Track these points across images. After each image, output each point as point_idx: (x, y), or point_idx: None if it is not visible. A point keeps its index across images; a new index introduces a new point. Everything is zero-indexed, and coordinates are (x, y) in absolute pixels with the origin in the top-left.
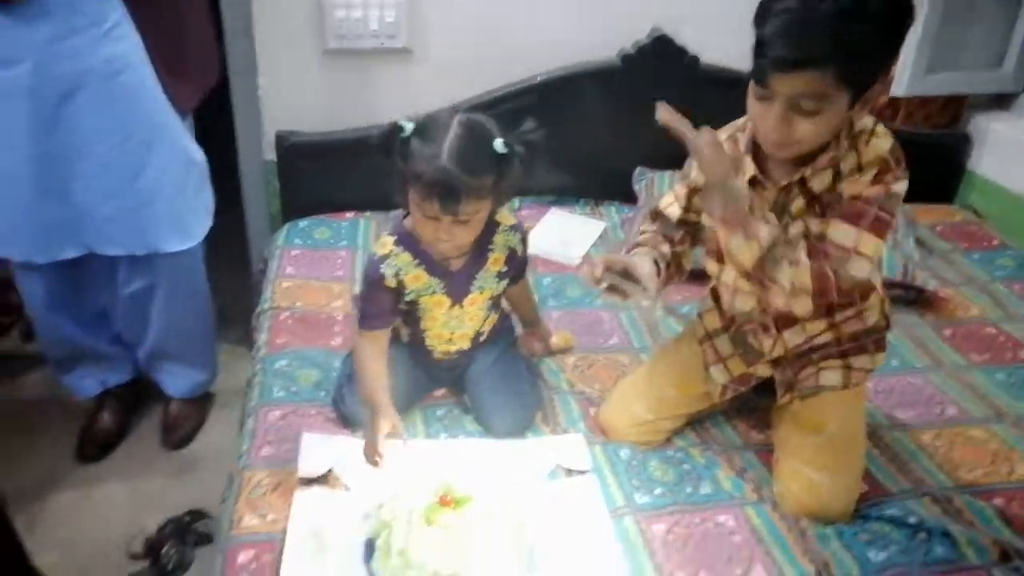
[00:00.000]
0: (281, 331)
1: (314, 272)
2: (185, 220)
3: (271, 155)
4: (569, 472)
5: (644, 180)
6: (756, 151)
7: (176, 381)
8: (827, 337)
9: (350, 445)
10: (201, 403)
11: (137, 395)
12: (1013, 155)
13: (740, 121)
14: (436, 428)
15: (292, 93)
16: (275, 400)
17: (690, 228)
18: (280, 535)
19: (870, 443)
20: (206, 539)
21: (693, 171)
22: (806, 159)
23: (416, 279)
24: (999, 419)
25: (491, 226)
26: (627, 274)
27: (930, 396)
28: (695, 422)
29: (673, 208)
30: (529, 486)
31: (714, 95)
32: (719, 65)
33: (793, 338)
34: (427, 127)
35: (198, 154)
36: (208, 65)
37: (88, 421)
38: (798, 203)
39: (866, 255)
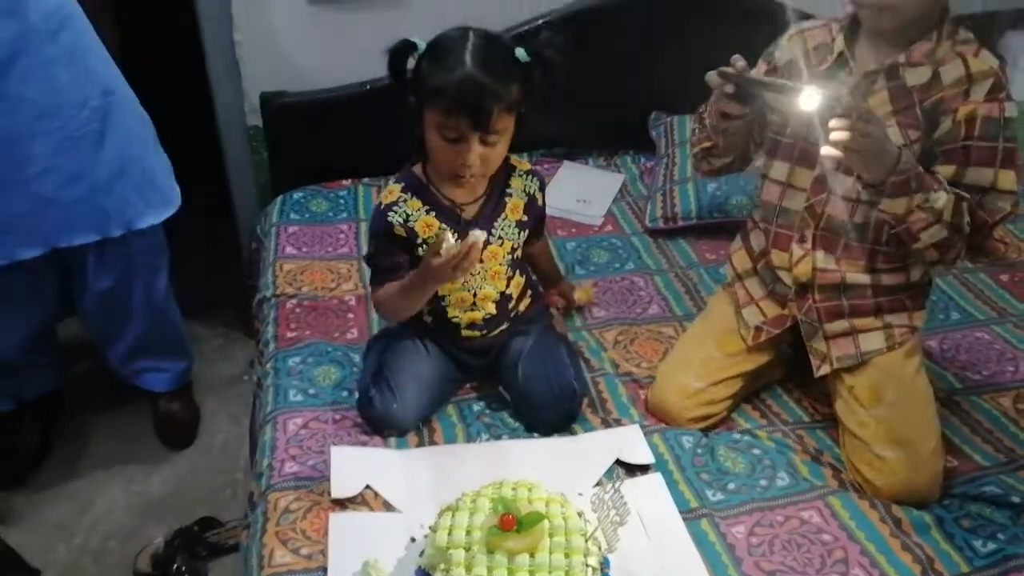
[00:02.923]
0: (290, 322)
1: (317, 251)
2: (158, 184)
3: (255, 120)
4: (630, 469)
5: (661, 125)
6: (848, 33)
7: (162, 376)
8: (861, 278)
9: (386, 457)
10: (190, 393)
11: (56, 406)
12: None
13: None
14: (476, 427)
15: (274, 50)
16: (293, 405)
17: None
18: (319, 573)
19: (947, 412)
20: (219, 550)
21: (777, 51)
22: (898, 44)
23: (427, 226)
24: None
25: (507, 168)
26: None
27: (1001, 352)
28: (755, 398)
29: None
30: (591, 491)
31: (738, 27)
32: None
33: (825, 261)
34: (441, 42)
35: (144, 112)
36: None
37: (5, 442)
38: (879, 97)
39: (1007, 190)
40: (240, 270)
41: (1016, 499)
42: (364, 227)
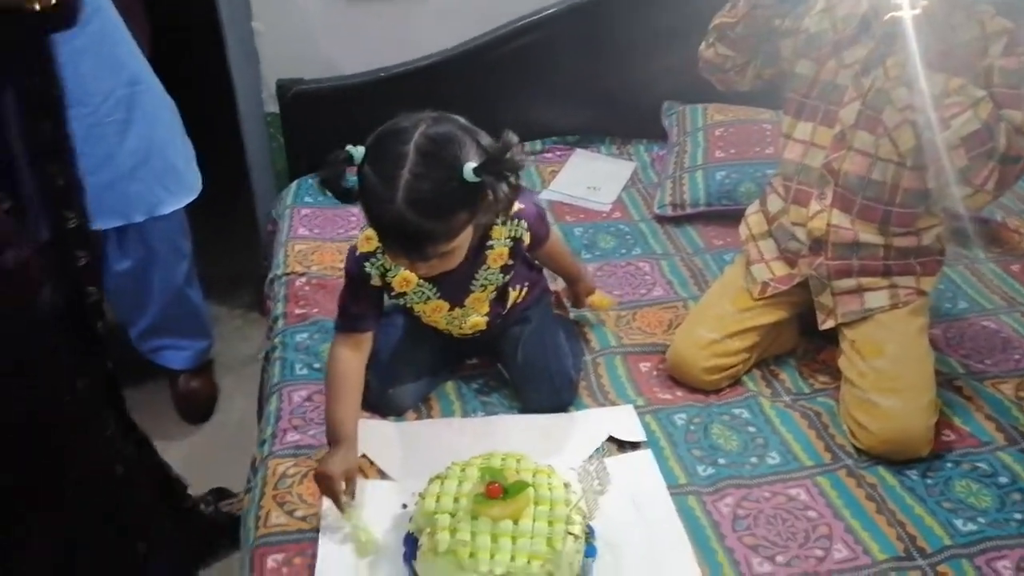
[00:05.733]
0: (298, 299)
1: (328, 232)
2: (180, 172)
3: (273, 107)
4: (622, 446)
5: (674, 114)
6: None
7: (181, 354)
8: (874, 238)
9: (382, 429)
10: (210, 371)
11: None
12: None
13: None
14: (473, 405)
15: (291, 38)
16: (298, 378)
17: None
18: (312, 534)
19: (950, 391)
20: (231, 519)
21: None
22: None
23: (405, 282)
24: None
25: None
26: None
27: (1006, 340)
28: (764, 366)
29: None
30: (580, 465)
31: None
32: None
33: (840, 219)
34: (380, 152)
35: (171, 100)
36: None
37: None
38: (895, 60)
39: None
40: (259, 252)
41: (1004, 479)
42: None
